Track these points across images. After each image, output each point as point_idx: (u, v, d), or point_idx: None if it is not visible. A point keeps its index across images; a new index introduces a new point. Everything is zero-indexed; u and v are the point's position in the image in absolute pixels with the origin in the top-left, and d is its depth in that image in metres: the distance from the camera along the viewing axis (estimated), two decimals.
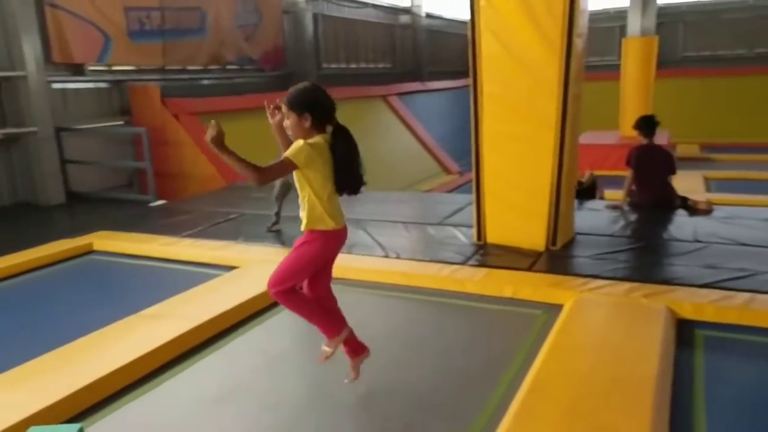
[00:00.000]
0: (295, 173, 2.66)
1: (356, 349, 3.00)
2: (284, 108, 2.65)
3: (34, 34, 7.76)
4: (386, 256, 4.99)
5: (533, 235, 4.96)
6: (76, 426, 2.46)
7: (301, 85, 2.68)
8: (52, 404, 2.77)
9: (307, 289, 2.90)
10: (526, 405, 2.71)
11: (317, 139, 2.63)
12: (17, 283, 5.06)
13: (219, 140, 2.45)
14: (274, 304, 4.23)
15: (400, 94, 16.13)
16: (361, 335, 3.79)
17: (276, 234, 5.79)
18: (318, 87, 2.69)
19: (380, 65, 18.03)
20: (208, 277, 4.84)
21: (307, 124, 2.62)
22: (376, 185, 10.19)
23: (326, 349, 2.93)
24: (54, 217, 7.44)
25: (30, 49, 7.67)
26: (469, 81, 5.04)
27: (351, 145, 2.71)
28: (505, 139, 4.92)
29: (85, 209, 7.78)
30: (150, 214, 7.14)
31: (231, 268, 5.02)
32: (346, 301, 4.33)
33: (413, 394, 3.07)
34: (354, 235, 5.60)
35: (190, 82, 10.93)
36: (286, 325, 4.07)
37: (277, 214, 5.87)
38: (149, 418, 2.91)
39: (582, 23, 4.78)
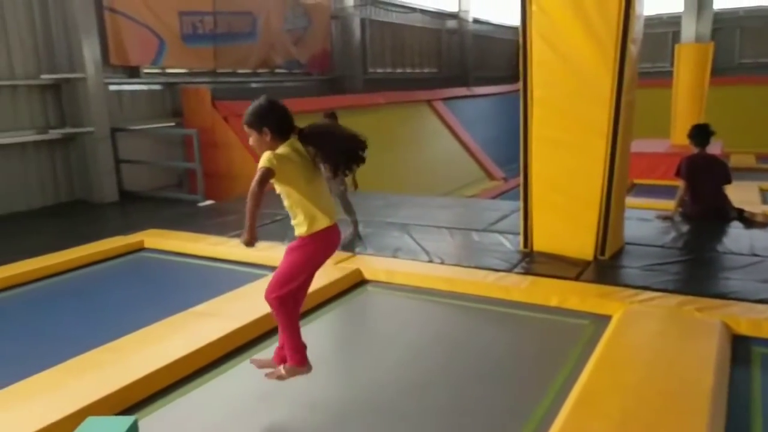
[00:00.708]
0: (277, 188, 2.71)
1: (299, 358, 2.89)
2: (245, 128, 2.67)
3: (94, 37, 8.04)
4: (430, 261, 4.97)
5: (582, 244, 4.88)
6: (131, 418, 2.54)
7: (255, 102, 2.69)
8: (108, 395, 2.86)
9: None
10: (574, 417, 2.66)
11: (281, 148, 2.65)
12: (73, 277, 5.24)
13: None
14: (318, 306, 4.30)
15: (445, 99, 16.10)
16: (404, 339, 3.81)
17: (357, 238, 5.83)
18: (272, 101, 2.70)
19: (426, 70, 18.04)
20: (255, 277, 4.91)
21: (268, 138, 2.64)
22: (419, 190, 10.23)
23: (281, 371, 2.86)
24: (107, 215, 7.68)
25: (89, 52, 7.95)
26: (516, 86, 5.00)
27: (321, 130, 2.71)
28: (554, 146, 4.86)
29: (137, 208, 8.00)
30: (199, 214, 7.31)
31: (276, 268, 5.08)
32: (390, 305, 4.40)
33: (455, 401, 3.05)
34: (399, 239, 5.63)
35: (239, 85, 11.14)
36: (329, 326, 4.12)
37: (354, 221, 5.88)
38: (197, 414, 2.98)
39: (637, 29, 4.69)
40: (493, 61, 21.32)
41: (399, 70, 16.69)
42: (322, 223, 2.70)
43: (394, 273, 4.74)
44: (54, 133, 8.00)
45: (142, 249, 5.92)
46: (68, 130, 8.11)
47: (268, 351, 3.64)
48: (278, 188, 2.72)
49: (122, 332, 3.67)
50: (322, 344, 3.87)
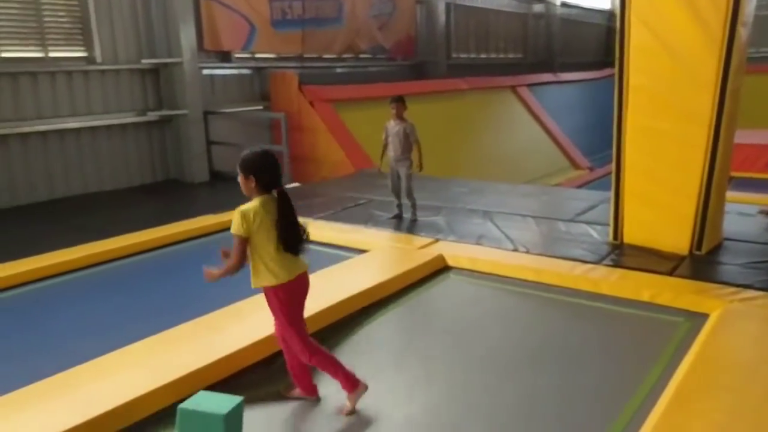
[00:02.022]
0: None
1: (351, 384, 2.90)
2: (238, 170, 2.77)
3: (190, 24, 8.38)
4: (515, 250, 4.90)
5: (676, 238, 4.66)
6: (237, 398, 2.65)
7: (253, 149, 2.81)
8: (210, 364, 3.01)
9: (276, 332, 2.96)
10: (668, 418, 2.56)
11: (253, 203, 2.74)
12: (166, 252, 5.52)
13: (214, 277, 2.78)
14: (401, 291, 4.33)
15: (529, 85, 15.72)
16: (488, 328, 3.79)
17: (400, 221, 5.87)
18: (268, 154, 2.80)
19: (510, 55, 17.66)
20: (339, 259, 5.01)
21: (252, 185, 2.75)
22: (500, 177, 10.07)
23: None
24: (198, 194, 8.03)
25: (186, 37, 8.29)
26: (605, 73, 4.86)
27: (287, 209, 2.77)
28: (651, 135, 4.65)
29: (226, 188, 8.30)
30: None
31: (361, 251, 5.17)
32: (473, 293, 4.37)
33: (539, 395, 3.01)
34: (482, 226, 5.58)
35: (325, 70, 11.31)
36: (413, 312, 4.14)
37: (399, 205, 5.96)
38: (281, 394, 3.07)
39: (748, 11, 4.40)
40: (581, 47, 20.57)
41: (483, 56, 16.42)
42: (277, 277, 2.76)
43: (478, 260, 4.70)
44: (152, 115, 8.43)
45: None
46: (165, 112, 8.51)
47: (352, 333, 3.72)
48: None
49: (213, 306, 3.83)
50: (408, 329, 3.92)
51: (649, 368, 3.20)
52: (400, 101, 5.74)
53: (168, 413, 2.76)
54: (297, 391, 3.00)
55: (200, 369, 3.00)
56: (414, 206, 5.87)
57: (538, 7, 18.40)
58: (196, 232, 5.91)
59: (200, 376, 2.96)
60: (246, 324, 3.52)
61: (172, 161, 8.83)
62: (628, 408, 2.84)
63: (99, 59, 7.89)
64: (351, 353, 3.46)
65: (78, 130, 7.75)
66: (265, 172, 2.75)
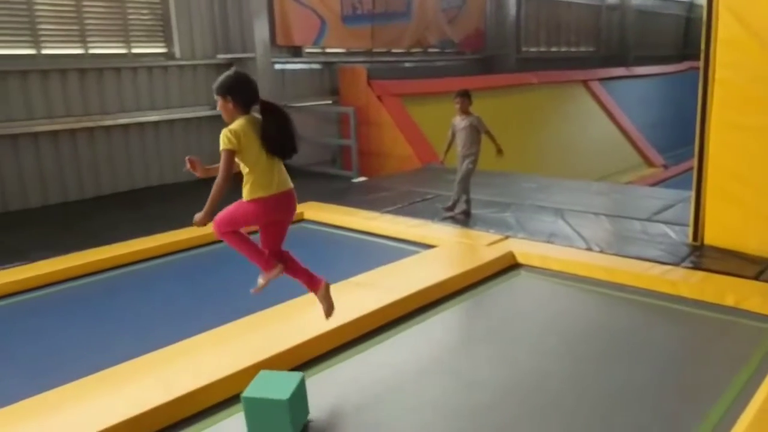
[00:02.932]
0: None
1: (310, 282, 3.22)
2: (214, 94, 2.90)
3: (264, 20, 8.56)
4: (589, 249, 4.77)
5: (763, 240, 4.42)
6: (298, 374, 2.72)
7: (226, 72, 2.92)
8: (279, 353, 3.09)
9: (262, 245, 3.14)
10: (760, 427, 2.43)
11: (239, 122, 2.85)
12: None
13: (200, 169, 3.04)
14: (471, 286, 4.30)
15: (602, 80, 15.24)
16: (559, 327, 3.71)
17: (465, 217, 5.81)
18: (240, 74, 2.93)
19: (582, 49, 17.18)
20: (407, 253, 5.02)
21: (230, 105, 2.86)
22: (570, 173, 9.82)
23: (260, 281, 3.16)
24: None
25: (260, 33, 8.48)
26: (684, 66, 4.65)
27: (278, 117, 2.89)
28: (737, 131, 4.42)
29: (296, 181, 8.39)
30: (353, 189, 7.59)
31: (428, 246, 5.16)
32: (545, 291, 4.29)
33: (612, 398, 2.92)
34: (553, 224, 5.47)
35: (393, 64, 11.33)
36: (482, 307, 4.10)
37: (467, 201, 5.89)
38: (358, 379, 3.11)
39: None
40: (657, 39, 19.76)
41: (554, 49, 16.05)
42: (263, 190, 2.92)
43: (549, 258, 4.61)
44: None
45: (302, 220, 6.26)
46: None
47: (423, 326, 3.73)
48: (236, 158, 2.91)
49: (285, 296, 3.91)
50: (477, 324, 3.89)
51: (734, 375, 3.05)
52: (464, 95, 5.68)
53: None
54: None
55: (272, 357, 3.07)
56: (468, 202, 5.82)
57: None
58: None
59: (277, 361, 3.04)
60: (319, 315, 3.57)
61: None
62: (711, 415, 2.72)
63: (178, 55, 8.19)
64: (420, 345, 3.47)
65: (157, 123, 8.07)
66: (240, 90, 2.87)
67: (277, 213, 3.04)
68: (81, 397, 2.81)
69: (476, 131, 5.65)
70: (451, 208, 5.90)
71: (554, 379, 3.08)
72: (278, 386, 2.55)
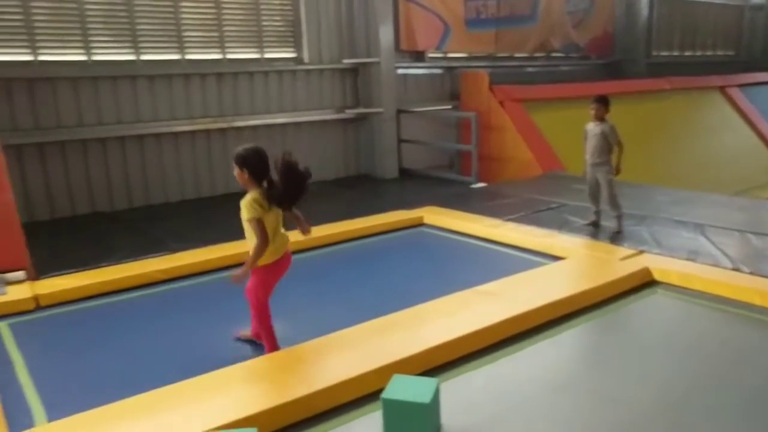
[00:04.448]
0: (244, 224, 3.30)
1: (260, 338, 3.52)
2: (233, 162, 3.33)
3: (389, 25, 8.68)
4: (736, 269, 4.40)
5: None
6: (434, 380, 2.69)
7: (245, 146, 3.35)
8: (410, 356, 3.09)
9: (251, 293, 3.43)
10: None
11: (255, 193, 3.27)
12: (360, 244, 5.76)
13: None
14: (604, 302, 4.10)
15: (742, 86, 14.12)
16: (701, 352, 3.43)
17: (596, 229, 5.56)
18: (257, 151, 3.32)
19: (720, 52, 16.02)
20: (533, 264, 4.88)
21: (246, 176, 3.31)
22: (705, 186, 9.14)
23: (246, 333, 3.66)
24: (389, 190, 8.29)
25: (385, 38, 8.61)
26: None
27: (288, 177, 3.24)
28: None
29: (413, 185, 8.49)
30: (472, 195, 7.50)
31: (556, 257, 4.99)
32: (684, 312, 3.99)
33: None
34: (693, 240, 5.13)
35: (515, 69, 11.11)
36: (617, 324, 3.89)
37: (596, 212, 5.64)
38: (490, 389, 3.04)
39: None
40: None
41: (688, 53, 15.07)
42: (269, 257, 3.30)
43: (691, 277, 4.29)
44: (349, 113, 8.87)
45: (422, 224, 6.27)
46: (361, 110, 8.92)
47: (555, 340, 3.59)
48: (245, 227, 3.31)
49: (409, 301, 3.92)
50: (611, 341, 3.69)
51: None
52: (601, 101, 5.43)
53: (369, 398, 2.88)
54: (247, 334, 3.63)
55: (406, 358, 3.08)
56: (619, 217, 5.46)
57: None
58: (390, 226, 6.11)
59: (408, 364, 3.04)
60: (449, 321, 3.54)
61: (364, 157, 9.23)
62: None
63: (306, 59, 8.48)
64: (552, 359, 3.34)
65: (284, 126, 8.40)
66: (256, 165, 3.28)
67: (280, 273, 3.42)
68: (224, 386, 2.95)
69: (606, 140, 5.38)
70: (595, 223, 5.66)
71: (698, 404, 2.85)
72: (416, 390, 2.55)
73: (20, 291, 4.35)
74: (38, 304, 4.32)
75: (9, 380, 3.32)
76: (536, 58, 11.51)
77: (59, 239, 5.86)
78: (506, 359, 3.35)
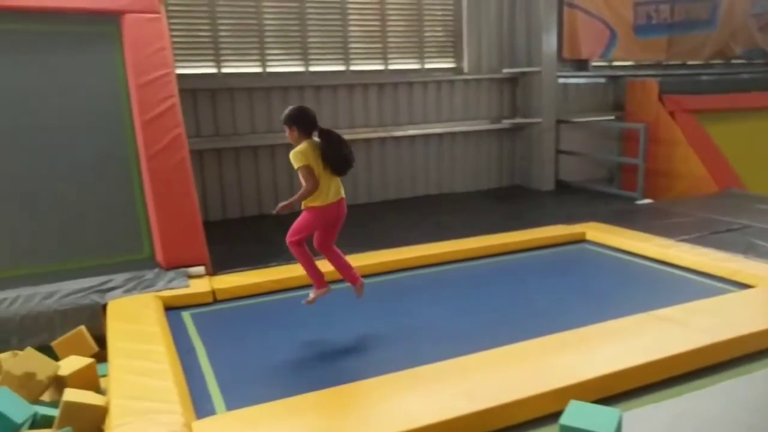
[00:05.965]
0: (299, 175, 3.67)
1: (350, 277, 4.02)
2: (283, 124, 3.76)
3: (552, 33, 8.40)
4: None
5: None
6: (616, 412, 2.50)
7: (291, 107, 3.78)
8: (585, 381, 2.91)
9: (316, 244, 3.90)
10: None
11: (302, 145, 3.66)
12: (517, 258, 5.59)
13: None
14: None
15: None
16: None
17: None
18: (301, 108, 3.76)
19: None
20: (713, 290, 4.44)
21: (295, 133, 3.70)
22: None
23: (311, 295, 3.97)
24: (545, 202, 7.99)
25: (547, 46, 8.35)
26: None
27: (332, 140, 3.67)
28: None
29: (571, 198, 8.11)
30: (638, 212, 7.01)
31: (742, 285, 4.50)
32: None
33: None
34: None
35: (687, 77, 10.27)
36: None
37: None
38: (676, 427, 2.77)
39: None
40: None
41: None
42: (318, 200, 3.67)
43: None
44: (505, 123, 8.71)
45: (583, 241, 5.96)
46: (518, 120, 8.71)
47: (751, 378, 3.22)
48: (299, 175, 3.65)
49: (572, 321, 3.73)
50: None
51: None
52: None
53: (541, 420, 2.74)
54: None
55: (581, 383, 2.90)
56: None
57: None
58: (549, 240, 5.89)
59: (582, 389, 2.86)
60: (626, 346, 3.30)
61: (518, 168, 9.01)
62: None
63: (465, 69, 8.45)
64: (747, 397, 2.98)
65: (441, 135, 8.42)
66: (302, 121, 3.68)
67: (331, 218, 3.77)
68: (390, 394, 2.96)
69: None
70: None
71: None
72: (596, 420, 2.39)
73: (200, 285, 4.71)
74: (215, 298, 4.66)
75: (193, 366, 3.59)
76: (712, 65, 10.56)
77: (231, 238, 6.29)
78: (692, 395, 3.04)
